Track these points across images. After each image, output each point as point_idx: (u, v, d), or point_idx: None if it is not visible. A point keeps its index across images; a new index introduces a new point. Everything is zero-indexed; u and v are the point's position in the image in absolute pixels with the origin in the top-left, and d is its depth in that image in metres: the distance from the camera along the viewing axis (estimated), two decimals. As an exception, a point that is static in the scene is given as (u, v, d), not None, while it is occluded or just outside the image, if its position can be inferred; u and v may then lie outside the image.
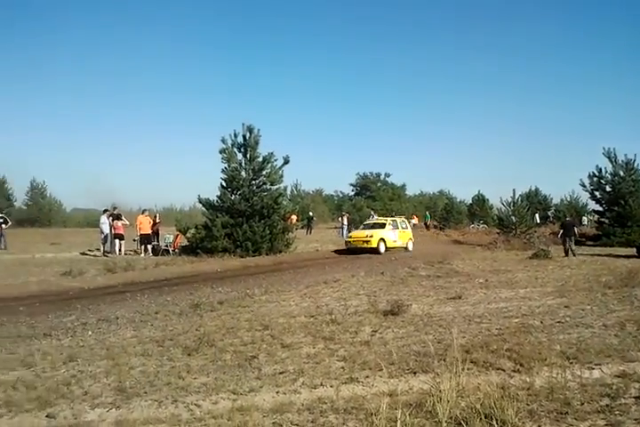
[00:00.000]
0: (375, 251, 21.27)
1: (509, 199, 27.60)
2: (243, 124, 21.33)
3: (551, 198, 47.93)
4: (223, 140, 21.09)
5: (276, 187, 21.66)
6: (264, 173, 21.30)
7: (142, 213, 21.57)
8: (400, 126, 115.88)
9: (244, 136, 21.26)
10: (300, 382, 4.72)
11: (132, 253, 20.88)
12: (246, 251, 19.74)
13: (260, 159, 21.24)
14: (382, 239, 21.87)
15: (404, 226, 24.23)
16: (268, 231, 20.25)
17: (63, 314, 8.94)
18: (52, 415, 4.22)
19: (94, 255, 20.10)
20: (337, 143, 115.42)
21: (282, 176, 21.62)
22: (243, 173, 21.24)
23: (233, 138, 21.23)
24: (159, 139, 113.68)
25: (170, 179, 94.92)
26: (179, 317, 8.29)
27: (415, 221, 44.27)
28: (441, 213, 47.70)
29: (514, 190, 27.82)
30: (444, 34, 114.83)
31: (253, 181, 21.27)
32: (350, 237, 23.05)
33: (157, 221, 22.16)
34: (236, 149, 21.28)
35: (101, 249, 20.22)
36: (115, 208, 21.26)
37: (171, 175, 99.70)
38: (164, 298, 10.37)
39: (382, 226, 22.98)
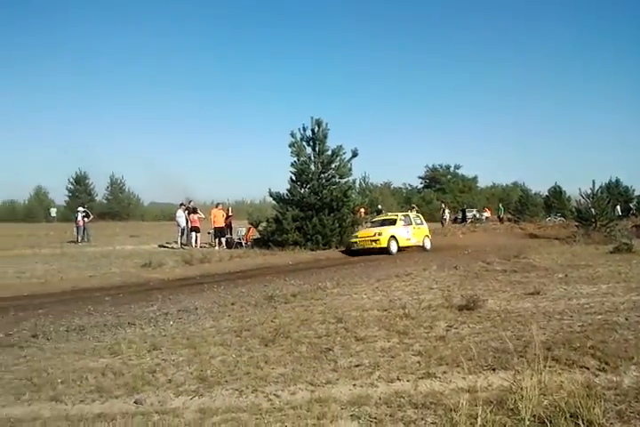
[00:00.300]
0: (385, 251, 18.83)
1: (588, 191, 26.32)
2: (311, 118, 21.53)
3: (633, 190, 45.55)
4: (292, 134, 21.36)
5: (344, 180, 21.76)
6: (333, 166, 21.42)
7: (216, 206, 22.19)
8: (470, 117, 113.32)
9: (312, 130, 21.43)
10: (377, 376, 4.72)
11: (206, 245, 21.53)
12: (316, 244, 19.92)
13: (329, 152, 21.36)
14: (393, 237, 19.40)
15: (418, 221, 21.74)
16: (338, 224, 20.34)
17: (145, 304, 9.35)
18: (140, 402, 4.40)
19: (172, 247, 20.90)
20: (405, 136, 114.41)
21: (351, 169, 21.69)
22: (312, 167, 21.43)
23: (302, 132, 21.47)
24: (230, 134, 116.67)
25: (240, 173, 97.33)
26: (254, 308, 8.48)
27: (488, 213, 43.22)
28: (515, 206, 46.26)
29: (593, 182, 26.40)
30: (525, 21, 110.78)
31: (322, 175, 21.43)
32: (356, 236, 20.05)
33: (230, 214, 22.72)
34: (305, 143, 21.49)
35: (178, 242, 20.98)
36: (190, 202, 21.99)
37: (241, 169, 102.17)
38: (240, 290, 10.64)
39: (393, 222, 20.50)
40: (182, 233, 20.98)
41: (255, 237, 22.23)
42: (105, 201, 51.35)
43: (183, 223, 20.80)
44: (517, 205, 46.06)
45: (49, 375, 5.21)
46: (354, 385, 4.53)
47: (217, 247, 20.87)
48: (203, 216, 21.53)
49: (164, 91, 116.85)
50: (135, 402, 4.41)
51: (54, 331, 7.37)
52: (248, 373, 4.98)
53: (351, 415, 3.87)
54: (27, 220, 44.54)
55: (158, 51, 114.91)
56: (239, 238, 22.01)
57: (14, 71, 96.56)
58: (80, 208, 23.63)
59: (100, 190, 51.98)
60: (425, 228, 21.95)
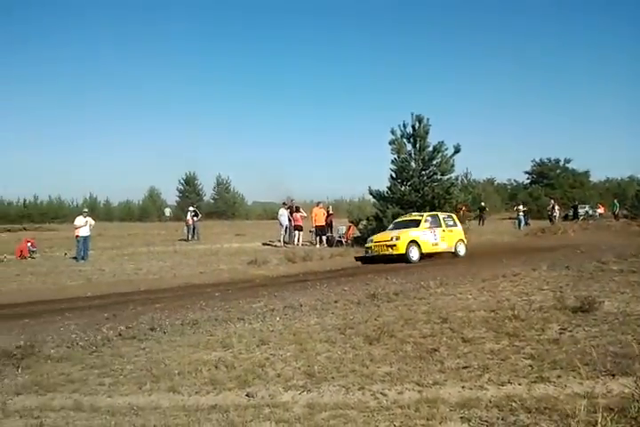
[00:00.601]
0: (404, 259, 16.10)
1: None
2: (412, 114, 21.25)
3: None
4: (392, 132, 21.21)
5: (447, 177, 21.25)
6: (434, 162, 21.01)
7: (317, 205, 22.50)
8: (581, 108, 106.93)
9: (413, 126, 21.15)
10: (486, 379, 4.59)
11: (307, 243, 21.91)
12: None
13: (430, 149, 20.97)
14: (414, 242, 16.52)
15: (450, 223, 18.29)
16: (440, 222, 19.91)
17: (253, 300, 9.69)
18: (251, 395, 4.58)
19: (275, 246, 21.48)
20: (510, 129, 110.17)
21: (453, 166, 21.14)
22: (412, 164, 21.16)
23: (402, 129, 21.25)
24: (329, 133, 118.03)
25: (339, 171, 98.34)
26: (357, 306, 8.53)
27: (601, 210, 40.62)
28: (632, 202, 43.05)
29: None
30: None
31: (423, 172, 21.09)
32: (371, 240, 17.39)
33: (330, 212, 22.96)
34: (405, 140, 21.26)
35: (281, 240, 21.52)
36: (291, 200, 22.50)
37: (340, 167, 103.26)
38: (342, 287, 10.74)
39: (416, 224, 17.33)
40: (285, 231, 21.50)
41: (355, 235, 22.32)
42: (212, 201, 53.97)
43: (286, 222, 21.30)
44: (634, 200, 42.87)
45: (166, 367, 5.55)
46: (462, 387, 4.44)
47: (318, 245, 21.18)
48: (305, 215, 21.95)
49: (263, 92, 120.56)
50: (247, 395, 4.59)
51: (170, 324, 7.82)
52: (354, 370, 5.03)
53: (461, 418, 3.81)
54: (141, 219, 47.77)
55: (253, 51, 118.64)
56: (340, 237, 22.19)
57: (122, 83, 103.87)
58: (190, 208, 24.87)
59: (208, 190, 54.81)
60: (459, 230, 18.59)
